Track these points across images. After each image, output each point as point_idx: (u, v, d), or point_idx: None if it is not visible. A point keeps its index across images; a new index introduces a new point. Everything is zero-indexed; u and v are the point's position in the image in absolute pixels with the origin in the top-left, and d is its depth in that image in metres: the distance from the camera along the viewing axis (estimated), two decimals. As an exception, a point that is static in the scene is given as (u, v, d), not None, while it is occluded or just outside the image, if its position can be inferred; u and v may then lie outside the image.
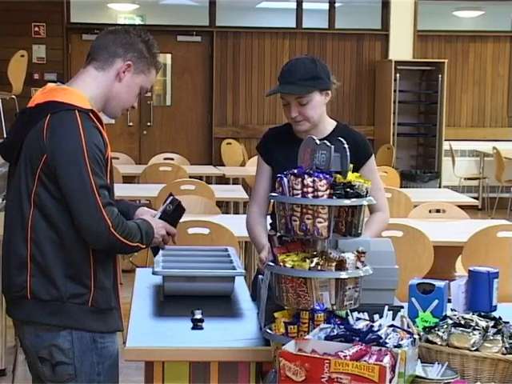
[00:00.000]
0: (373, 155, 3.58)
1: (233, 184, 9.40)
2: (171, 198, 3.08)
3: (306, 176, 2.53)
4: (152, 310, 3.23)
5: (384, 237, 3.52)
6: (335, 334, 2.38)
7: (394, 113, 11.42)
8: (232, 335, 2.90)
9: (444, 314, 2.72)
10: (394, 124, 11.43)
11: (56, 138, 2.74)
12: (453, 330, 2.52)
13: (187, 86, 11.85)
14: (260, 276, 3.08)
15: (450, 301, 2.97)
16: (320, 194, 2.51)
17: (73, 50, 11.50)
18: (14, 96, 9.28)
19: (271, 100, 11.29)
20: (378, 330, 2.38)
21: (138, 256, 4.14)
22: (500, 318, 2.63)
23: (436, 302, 2.81)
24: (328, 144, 2.60)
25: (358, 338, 2.31)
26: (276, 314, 2.62)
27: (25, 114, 2.86)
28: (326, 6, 11.98)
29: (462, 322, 2.55)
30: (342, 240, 2.62)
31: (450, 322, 2.57)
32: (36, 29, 11.32)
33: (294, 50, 11.74)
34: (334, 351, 2.24)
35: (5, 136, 3.06)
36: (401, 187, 8.32)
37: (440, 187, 11.15)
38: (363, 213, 2.59)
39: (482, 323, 2.55)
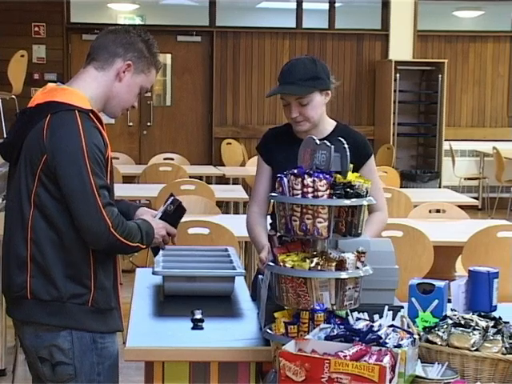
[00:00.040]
0: (373, 155, 3.58)
1: (233, 184, 9.39)
2: (172, 198, 3.07)
3: (305, 176, 2.53)
4: (152, 310, 3.23)
5: (384, 237, 3.52)
6: (335, 334, 2.38)
7: (394, 113, 11.42)
8: (232, 335, 2.90)
9: (444, 314, 2.72)
10: (393, 124, 11.43)
11: (56, 138, 2.73)
12: (453, 330, 2.52)
13: (187, 86, 11.85)
14: (260, 276, 3.08)
15: (450, 301, 2.97)
16: (320, 194, 2.51)
17: (73, 49, 11.50)
18: (14, 96, 9.27)
19: (271, 100, 11.29)
20: (378, 330, 2.37)
21: (138, 256, 4.13)
22: (500, 318, 2.63)
23: (436, 302, 2.81)
24: (328, 144, 2.60)
25: (358, 338, 2.31)
26: (276, 314, 2.62)
27: (25, 114, 2.86)
28: (326, 6, 11.98)
29: (462, 322, 2.55)
30: (342, 240, 2.62)
31: (450, 322, 2.57)
32: (36, 29, 11.31)
33: (294, 50, 11.74)
34: (334, 351, 2.24)
35: (5, 136, 3.06)
36: (401, 187, 8.32)
37: (440, 187, 11.14)
38: (363, 213, 2.59)
39: (482, 323, 2.55)
